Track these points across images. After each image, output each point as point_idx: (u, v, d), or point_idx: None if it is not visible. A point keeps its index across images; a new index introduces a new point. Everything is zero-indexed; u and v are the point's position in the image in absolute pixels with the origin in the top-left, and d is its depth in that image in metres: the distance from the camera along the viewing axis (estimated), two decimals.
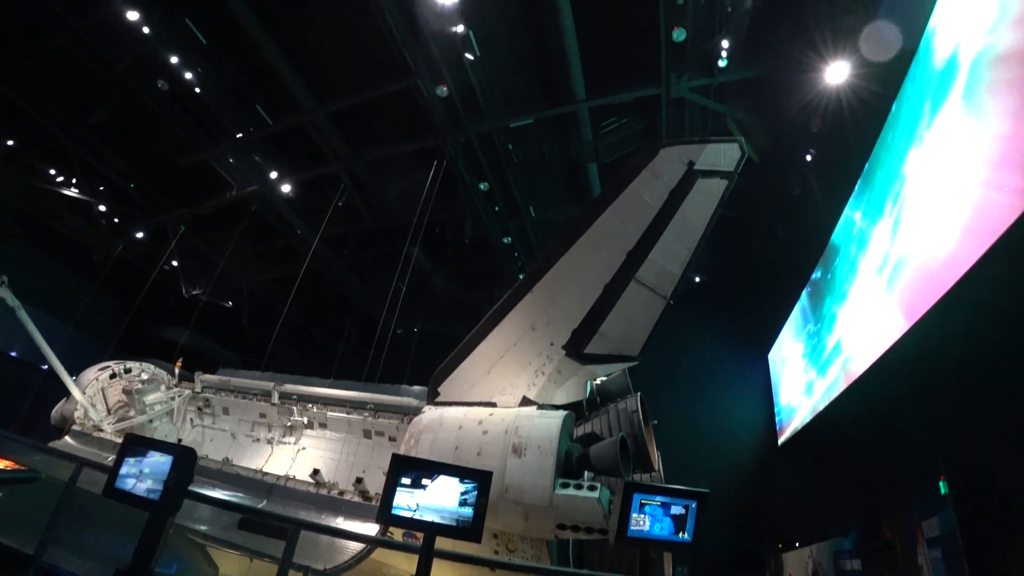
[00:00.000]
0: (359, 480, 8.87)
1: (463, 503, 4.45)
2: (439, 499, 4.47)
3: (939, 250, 7.30)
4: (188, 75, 14.64)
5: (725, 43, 12.80)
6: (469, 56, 12.85)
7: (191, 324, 22.45)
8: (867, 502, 10.20)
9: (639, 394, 8.13)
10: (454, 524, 4.42)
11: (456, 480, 4.55)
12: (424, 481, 4.54)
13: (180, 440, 11.35)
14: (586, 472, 6.83)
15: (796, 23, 12.81)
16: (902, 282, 8.63)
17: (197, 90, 14.79)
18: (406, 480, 4.54)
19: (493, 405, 8.25)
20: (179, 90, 14.99)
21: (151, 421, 11.93)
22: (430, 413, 8.23)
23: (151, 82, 14.84)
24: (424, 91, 13.71)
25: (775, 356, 20.40)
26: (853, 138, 13.65)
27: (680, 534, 4.57)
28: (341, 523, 8.71)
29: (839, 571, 11.06)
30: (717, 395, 20.34)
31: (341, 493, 9.01)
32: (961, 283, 6.35)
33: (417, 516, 4.45)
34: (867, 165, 11.45)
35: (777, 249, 19.25)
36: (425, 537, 4.49)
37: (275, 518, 7.12)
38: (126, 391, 11.89)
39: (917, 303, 7.77)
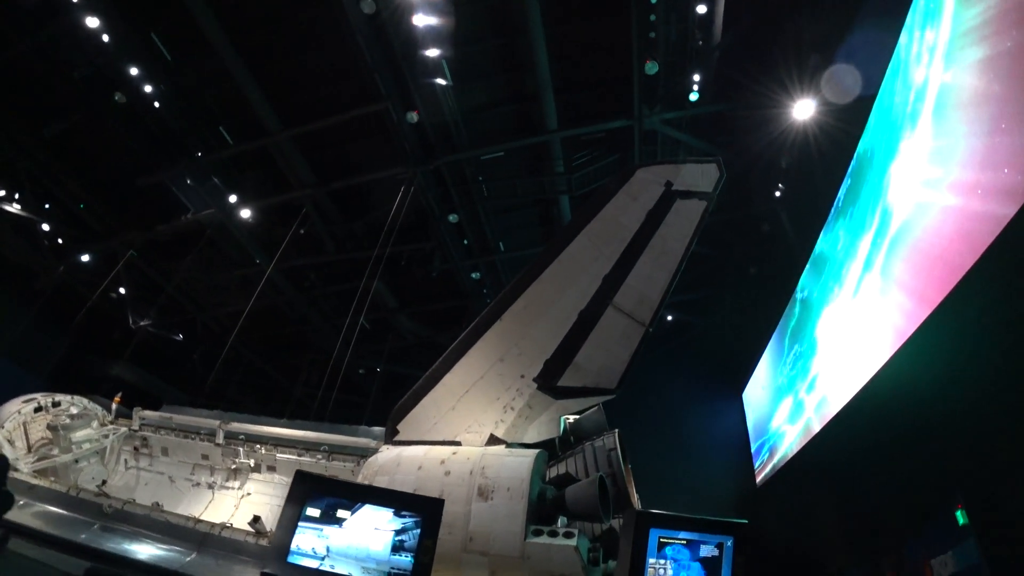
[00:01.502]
0: (256, 519, 7.90)
1: (398, 548, 3.13)
2: (362, 541, 3.15)
3: (940, 242, 6.96)
4: (148, 89, 13.93)
5: (696, 77, 12.89)
6: (442, 82, 12.59)
7: (138, 360, 21.15)
8: (862, 540, 9.54)
9: (616, 430, 7.48)
10: None
11: (388, 513, 3.27)
12: (340, 514, 3.19)
13: (104, 483, 10.20)
14: (560, 518, 6.10)
15: (765, 59, 13.01)
16: (895, 285, 8.24)
17: (156, 105, 14.06)
18: (313, 511, 3.20)
19: (458, 444, 7.50)
20: (138, 105, 14.26)
21: (77, 461, 10.79)
22: (386, 453, 7.44)
23: (109, 95, 14.08)
24: (394, 117, 13.34)
25: (749, 395, 20.04)
26: (821, 172, 13.76)
27: None
28: None
29: None
30: (690, 435, 19.76)
31: None
32: (962, 283, 5.97)
33: (326, 567, 3.12)
34: (847, 182, 11.32)
35: (748, 286, 19.19)
36: None
37: (128, 566, 5.95)
38: (51, 427, 10.68)
39: (912, 311, 7.39)
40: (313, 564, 3.25)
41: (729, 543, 3.52)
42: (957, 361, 6.49)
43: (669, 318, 20.82)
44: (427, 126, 13.78)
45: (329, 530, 3.30)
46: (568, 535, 5.56)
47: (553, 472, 7.16)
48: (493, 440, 7.36)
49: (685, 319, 21.36)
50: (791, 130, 13.71)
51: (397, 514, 3.36)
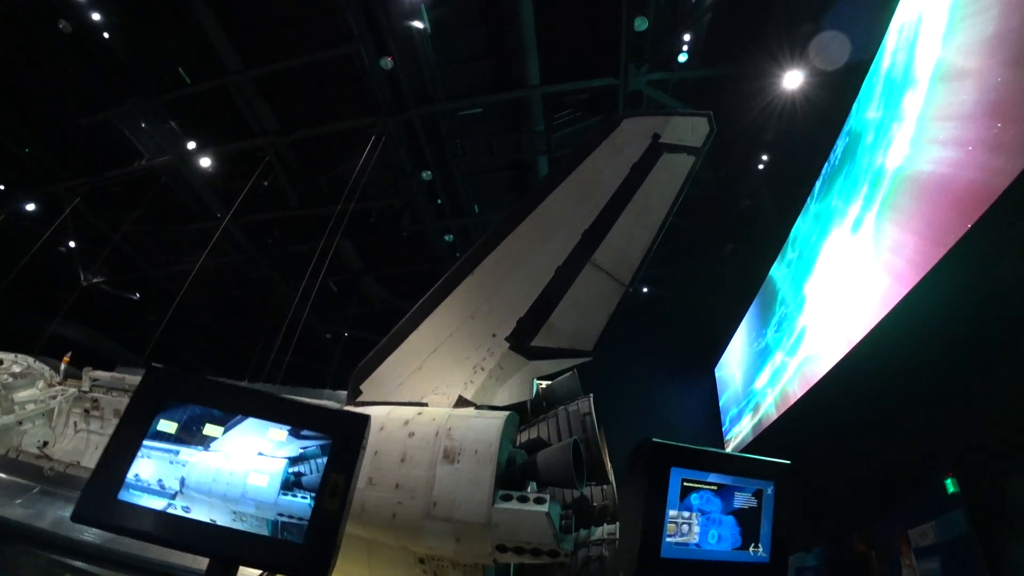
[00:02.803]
0: None
1: (293, 485, 2.12)
2: (238, 472, 2.15)
3: (934, 204, 6.69)
4: (97, 17, 12.63)
5: (687, 37, 12.35)
6: (419, 25, 11.75)
7: (89, 319, 20.09)
8: (835, 510, 9.41)
9: (591, 395, 7.10)
10: (264, 536, 2.08)
11: (282, 432, 2.22)
12: (209, 430, 2.17)
13: (46, 444, 9.55)
14: (530, 483, 5.70)
15: (757, 24, 12.57)
16: (888, 246, 7.95)
17: (106, 35, 12.83)
18: (168, 425, 2.15)
19: (424, 406, 7.03)
20: (84, 35, 12.97)
21: (20, 423, 10.15)
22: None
23: (51, 22, 12.74)
24: (367, 61, 12.46)
25: (722, 369, 20.07)
26: (809, 144, 13.48)
27: (752, 549, 2.74)
28: None
29: None
30: (660, 410, 19.72)
31: None
32: (959, 244, 5.68)
33: (176, 509, 2.09)
34: (840, 145, 11.02)
35: (725, 263, 19.02)
36: (209, 567, 2.11)
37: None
38: None
39: (905, 271, 7.11)
40: (157, 504, 2.10)
41: (769, 490, 2.82)
42: (953, 321, 6.21)
43: (645, 290, 20.56)
44: (401, 75, 12.93)
45: (189, 454, 2.17)
46: (539, 501, 5.17)
47: (524, 437, 6.77)
48: (461, 402, 6.88)
49: (658, 293, 21.12)
50: (779, 100, 13.38)
51: (295, 434, 2.21)
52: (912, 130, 7.62)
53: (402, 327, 7.27)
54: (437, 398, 7.05)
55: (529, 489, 5.54)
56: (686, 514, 2.65)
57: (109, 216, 17.67)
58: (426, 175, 15.15)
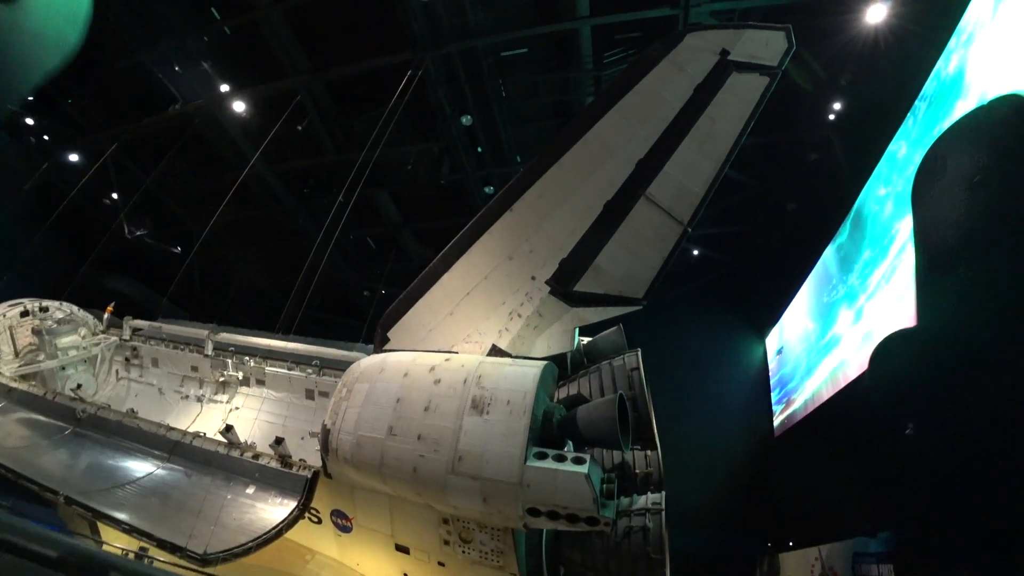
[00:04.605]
0: (279, 441, 7.10)
1: None
2: None
3: None
4: None
5: None
6: None
7: (137, 274, 20.58)
8: (899, 496, 8.42)
9: (639, 350, 6.30)
10: None
11: None
12: None
13: (79, 386, 9.74)
14: (568, 442, 5.03)
15: None
16: None
17: None
18: None
19: (454, 354, 6.40)
20: None
21: (63, 368, 10.51)
22: (370, 359, 6.37)
23: None
24: None
25: (773, 341, 18.83)
26: (887, 94, 12.00)
27: None
28: (251, 493, 7.08)
29: None
30: (706, 379, 18.75)
31: (256, 457, 7.34)
32: None
33: None
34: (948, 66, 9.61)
35: (785, 224, 17.62)
36: None
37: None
38: (36, 331, 10.36)
39: None
40: None
41: None
42: None
43: (695, 252, 19.34)
44: (439, 8, 11.99)
45: None
46: (578, 461, 4.50)
47: (563, 393, 6.08)
48: (496, 352, 6.24)
49: (710, 254, 19.83)
50: (859, 37, 11.95)
51: None
52: None
53: (434, 268, 6.57)
54: (469, 347, 6.40)
55: (567, 448, 4.91)
56: None
57: (150, 167, 17.67)
58: (466, 120, 14.26)
